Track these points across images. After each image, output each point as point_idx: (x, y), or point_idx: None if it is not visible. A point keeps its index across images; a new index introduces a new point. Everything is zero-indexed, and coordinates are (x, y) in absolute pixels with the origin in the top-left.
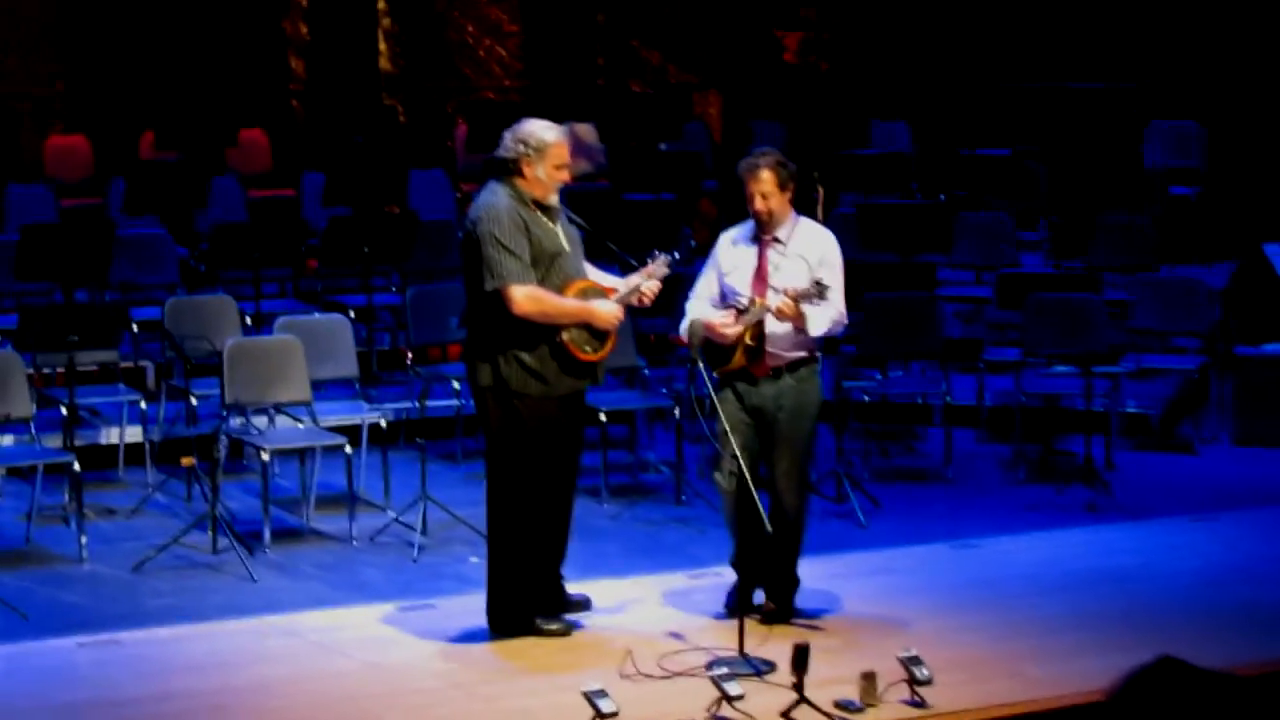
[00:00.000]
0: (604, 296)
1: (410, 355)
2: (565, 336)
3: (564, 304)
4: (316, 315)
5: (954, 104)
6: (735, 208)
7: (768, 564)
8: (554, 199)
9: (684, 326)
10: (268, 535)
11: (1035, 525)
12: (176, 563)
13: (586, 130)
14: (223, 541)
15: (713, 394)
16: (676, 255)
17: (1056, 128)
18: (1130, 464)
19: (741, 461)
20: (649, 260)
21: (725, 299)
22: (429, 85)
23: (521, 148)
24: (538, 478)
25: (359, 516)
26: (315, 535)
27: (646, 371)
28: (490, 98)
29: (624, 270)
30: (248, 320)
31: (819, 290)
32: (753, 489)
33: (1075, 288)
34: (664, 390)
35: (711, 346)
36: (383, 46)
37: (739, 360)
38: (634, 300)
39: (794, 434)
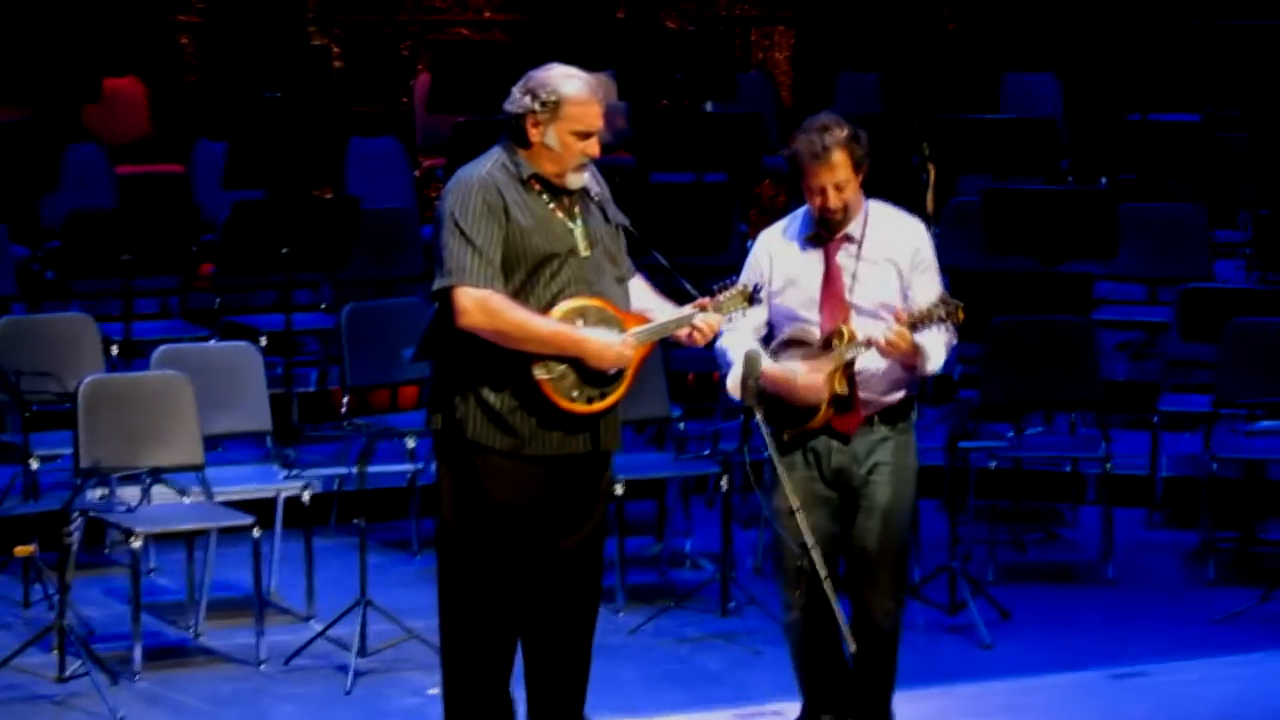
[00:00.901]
0: (618, 325)
1: (346, 401)
2: (541, 374)
3: (533, 323)
4: (213, 344)
5: (1120, 50)
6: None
7: (852, 701)
8: (576, 179)
9: (732, 378)
10: (139, 656)
11: (1231, 645)
12: (7, 694)
13: (604, 83)
14: (74, 663)
15: (774, 457)
16: (759, 288)
17: (1266, 84)
18: None
19: (817, 558)
20: (716, 290)
21: (775, 329)
22: (377, 18)
23: (528, 101)
24: (498, 573)
25: (270, 630)
26: (207, 656)
27: (682, 426)
28: (464, 35)
29: (680, 301)
30: (114, 350)
31: (949, 312)
32: (834, 601)
33: None
34: (706, 452)
35: (777, 402)
36: None
37: (824, 416)
38: (682, 336)
39: (889, 508)
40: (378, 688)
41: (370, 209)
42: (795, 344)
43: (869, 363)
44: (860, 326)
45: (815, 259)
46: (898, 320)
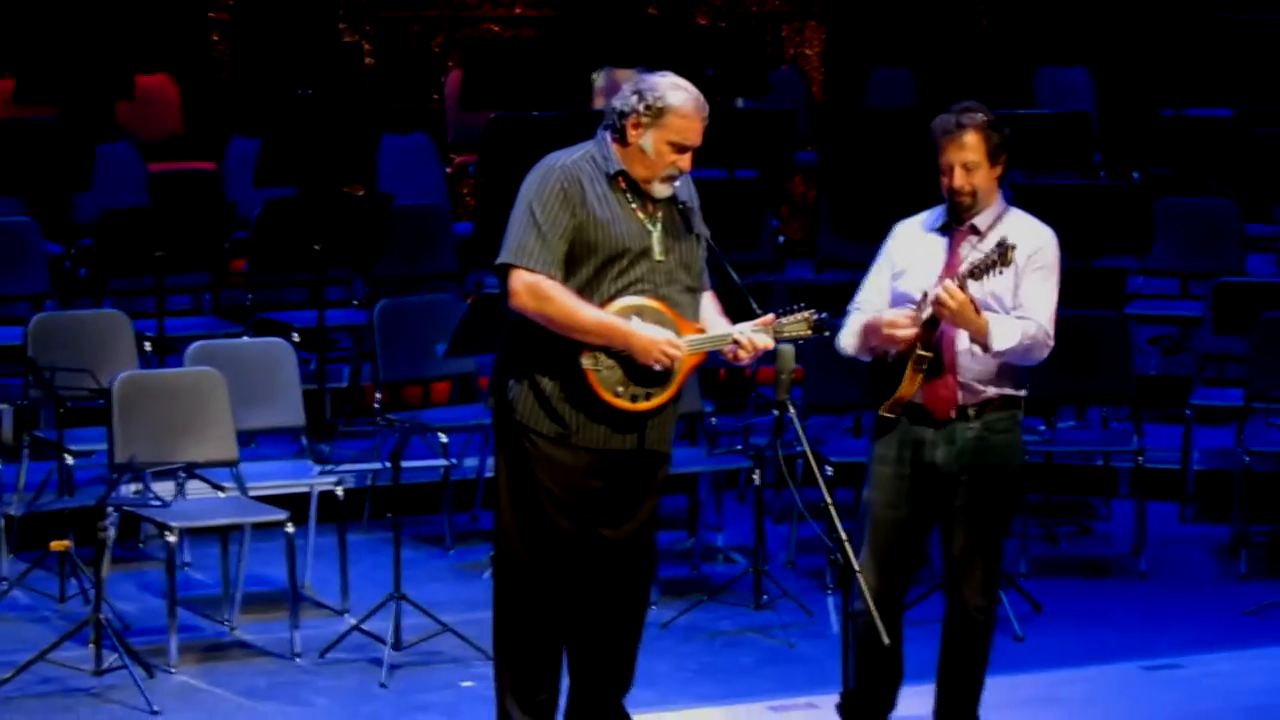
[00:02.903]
0: (673, 329)
1: (379, 396)
2: (588, 364)
3: (580, 311)
4: (246, 340)
5: (1153, 44)
6: (845, 190)
7: (937, 697)
8: (663, 189)
9: (842, 340)
10: (174, 650)
11: (1263, 638)
12: (44, 688)
13: (631, 79)
14: (110, 658)
15: (808, 449)
16: (825, 316)
17: None
18: None
19: (849, 552)
20: (781, 312)
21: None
22: (407, 14)
23: (634, 101)
24: (546, 556)
25: (305, 623)
26: (242, 650)
27: (714, 420)
28: (495, 32)
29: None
30: (147, 346)
31: (1000, 254)
32: (867, 594)
33: None
34: (739, 446)
35: (877, 374)
36: None
37: (908, 385)
38: (725, 351)
39: (983, 508)
40: (412, 681)
41: (402, 205)
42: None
43: (963, 346)
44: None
45: (939, 246)
46: (960, 272)
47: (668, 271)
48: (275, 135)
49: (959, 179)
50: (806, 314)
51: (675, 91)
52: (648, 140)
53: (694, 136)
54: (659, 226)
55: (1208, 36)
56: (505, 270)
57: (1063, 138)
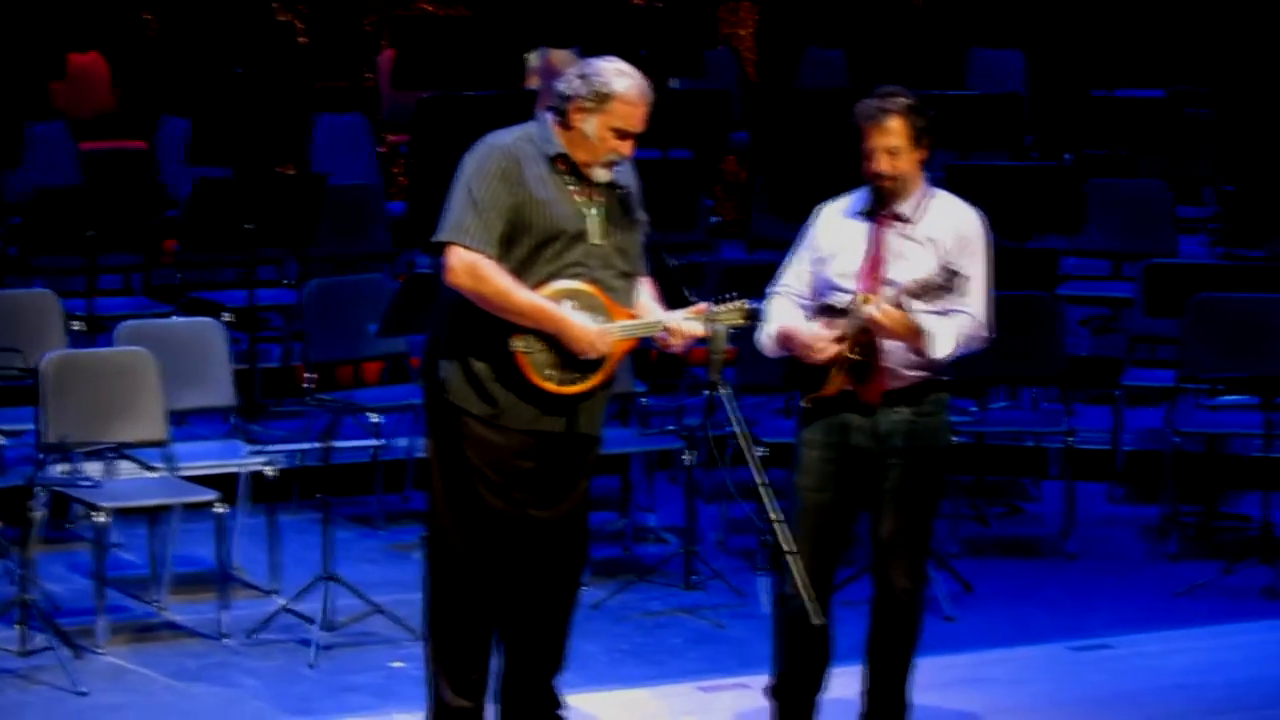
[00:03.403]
0: (605, 315)
1: (311, 377)
2: (519, 346)
3: (515, 293)
4: (176, 319)
5: (1086, 25)
6: (777, 171)
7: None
8: (603, 174)
9: (761, 336)
10: (103, 631)
11: (1191, 618)
12: None
13: (565, 59)
14: (38, 638)
15: (740, 430)
16: (760, 307)
17: (1233, 60)
18: None
19: (782, 532)
20: (715, 300)
21: (820, 296)
22: None
23: (579, 85)
24: (477, 535)
25: (235, 604)
26: (171, 630)
27: (646, 401)
28: (428, 12)
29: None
30: (77, 326)
31: (949, 281)
32: (800, 576)
33: (1254, 286)
34: (671, 426)
35: (799, 364)
36: None
37: (837, 382)
38: (656, 337)
39: (912, 491)
40: (341, 661)
41: (334, 185)
42: (824, 310)
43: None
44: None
45: (863, 232)
46: (900, 291)
47: (603, 256)
48: (207, 114)
49: (883, 164)
50: (740, 303)
51: (620, 78)
52: (591, 125)
53: (637, 123)
54: (597, 210)
55: (1139, 18)
56: (442, 248)
57: (995, 119)
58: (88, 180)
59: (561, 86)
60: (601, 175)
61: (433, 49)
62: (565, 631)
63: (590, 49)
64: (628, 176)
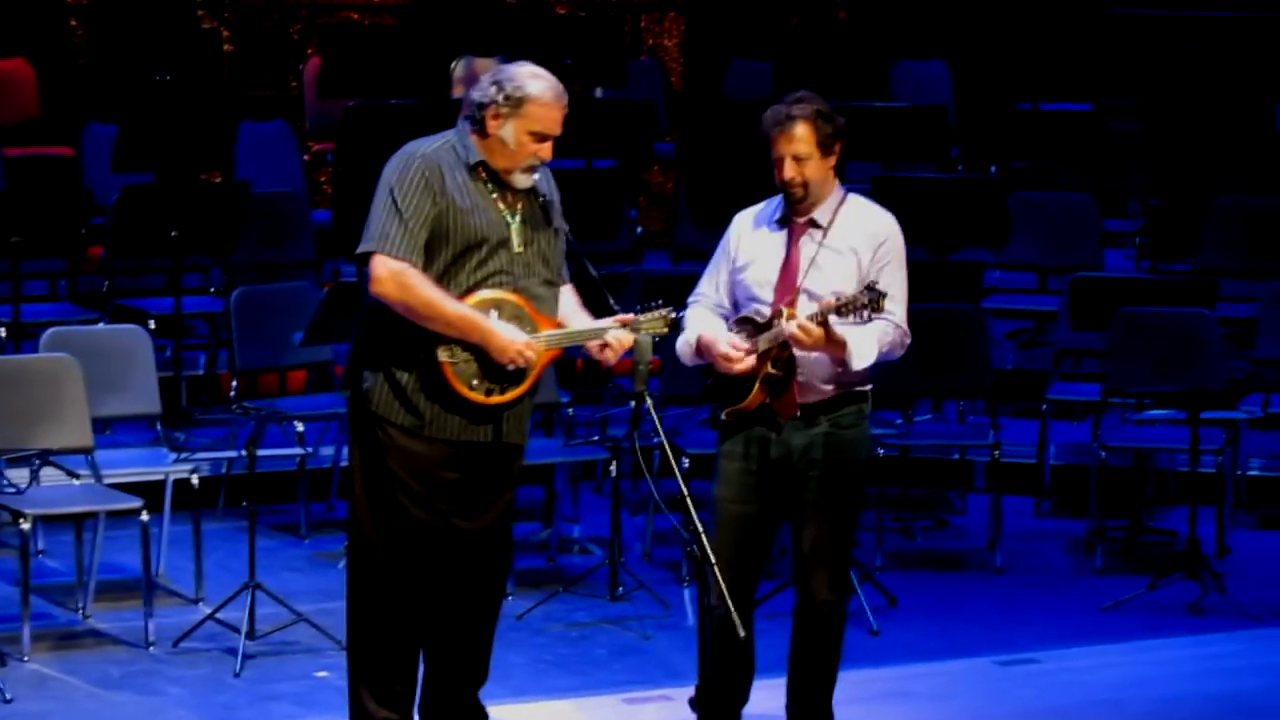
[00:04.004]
0: (531, 325)
1: (235, 384)
2: (444, 357)
3: (442, 303)
4: (102, 326)
5: (1011, 38)
6: (702, 181)
7: (790, 692)
8: (523, 179)
9: (680, 342)
10: (27, 638)
11: (1118, 633)
12: None
13: (490, 68)
14: None
15: (665, 441)
16: (681, 315)
17: (1160, 74)
18: (1251, 548)
19: (705, 544)
20: (638, 309)
21: (739, 307)
22: (266, 2)
23: (493, 92)
24: (401, 547)
25: (159, 612)
26: (95, 638)
27: (571, 412)
28: (354, 20)
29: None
30: (2, 332)
31: (872, 301)
32: (723, 587)
33: (1180, 300)
34: (596, 437)
35: (720, 377)
36: None
37: (756, 397)
38: (593, 350)
39: (832, 503)
40: (266, 670)
41: (260, 193)
42: (745, 323)
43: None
44: (806, 312)
45: (779, 241)
46: (818, 311)
47: (526, 264)
48: (133, 121)
49: (789, 170)
50: (664, 311)
51: (534, 81)
52: (508, 131)
53: (554, 125)
54: (518, 218)
55: (1065, 31)
56: (366, 257)
57: (920, 131)
58: (12, 186)
59: (476, 94)
60: (522, 181)
61: (358, 57)
62: (488, 643)
63: (515, 58)
64: (547, 184)
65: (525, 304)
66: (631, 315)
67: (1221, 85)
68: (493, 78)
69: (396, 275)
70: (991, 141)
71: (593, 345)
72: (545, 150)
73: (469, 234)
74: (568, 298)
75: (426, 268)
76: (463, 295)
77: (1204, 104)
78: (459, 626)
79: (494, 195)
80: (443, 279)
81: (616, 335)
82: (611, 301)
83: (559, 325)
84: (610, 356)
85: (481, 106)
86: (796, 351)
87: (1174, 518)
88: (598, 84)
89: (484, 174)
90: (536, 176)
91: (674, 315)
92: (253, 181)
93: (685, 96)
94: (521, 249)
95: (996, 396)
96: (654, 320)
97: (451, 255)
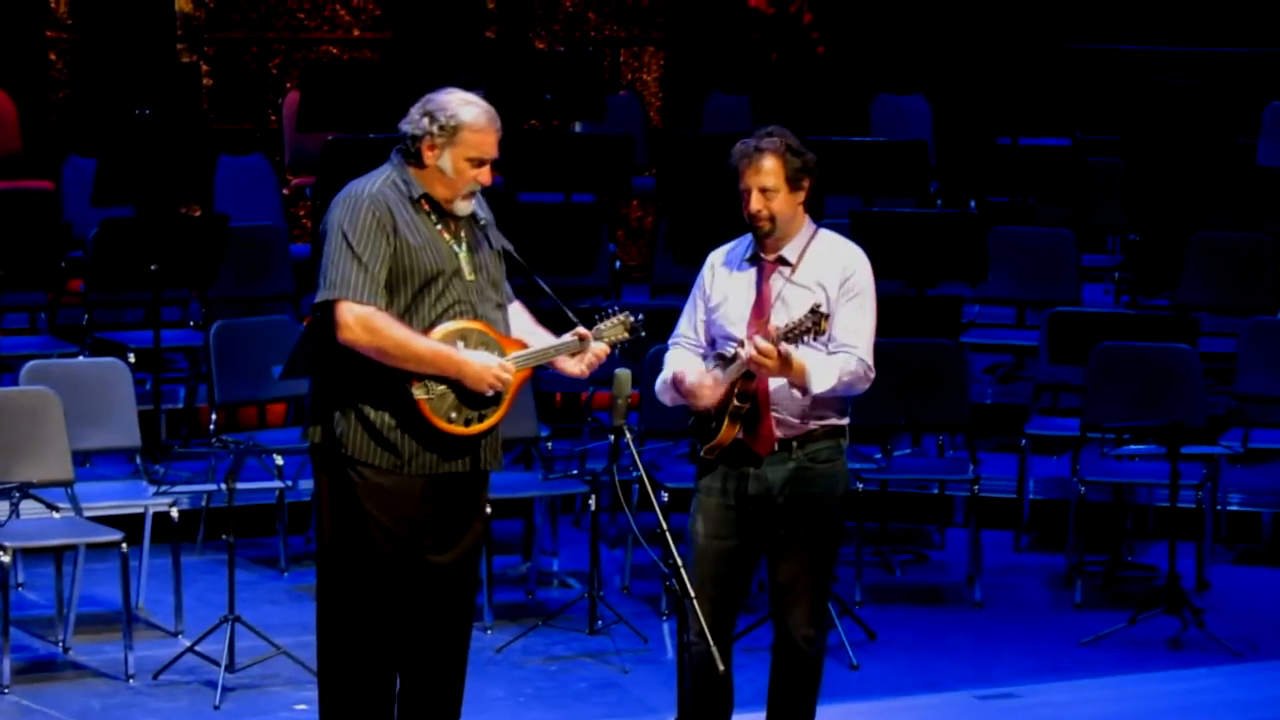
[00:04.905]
0: (498, 349)
1: (215, 418)
2: (420, 394)
3: (413, 342)
4: (82, 359)
5: (990, 73)
6: (681, 216)
7: None
8: (465, 206)
9: (658, 383)
10: (7, 671)
11: (1097, 668)
12: None
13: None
14: None
15: (644, 475)
16: (640, 317)
17: (1139, 109)
18: (1232, 583)
19: (684, 578)
20: (597, 318)
21: (715, 344)
22: (245, 35)
23: (426, 123)
24: (376, 588)
25: (139, 645)
26: (75, 671)
27: (550, 445)
28: (333, 54)
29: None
30: None
31: (814, 323)
32: (702, 621)
33: (1159, 335)
34: (575, 471)
35: (699, 416)
36: None
37: (727, 433)
38: (566, 367)
39: (809, 537)
40: (246, 703)
41: (239, 227)
42: (719, 360)
43: (779, 384)
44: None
45: (749, 279)
46: (766, 335)
47: (479, 290)
48: (112, 155)
49: (755, 203)
50: (622, 317)
51: (466, 107)
52: (445, 160)
53: (491, 149)
54: (464, 247)
55: (1043, 66)
56: (329, 305)
57: (899, 166)
58: None
59: (407, 127)
60: (463, 208)
61: (337, 91)
62: (461, 675)
63: (494, 92)
64: (483, 208)
65: (488, 329)
66: (590, 329)
67: (1200, 120)
68: (423, 109)
69: (363, 320)
70: (970, 176)
71: (562, 363)
72: (484, 175)
73: (425, 269)
74: (521, 315)
75: (388, 307)
76: (426, 330)
77: (1182, 139)
78: (432, 660)
79: (439, 227)
80: (405, 316)
81: (594, 349)
82: (569, 314)
83: (522, 345)
84: (585, 371)
85: (416, 139)
86: (773, 383)
87: (1154, 553)
88: (577, 118)
89: (427, 206)
90: (475, 202)
91: (631, 319)
92: (232, 215)
93: (664, 131)
94: (473, 276)
95: (976, 431)
96: (614, 327)
97: (412, 292)
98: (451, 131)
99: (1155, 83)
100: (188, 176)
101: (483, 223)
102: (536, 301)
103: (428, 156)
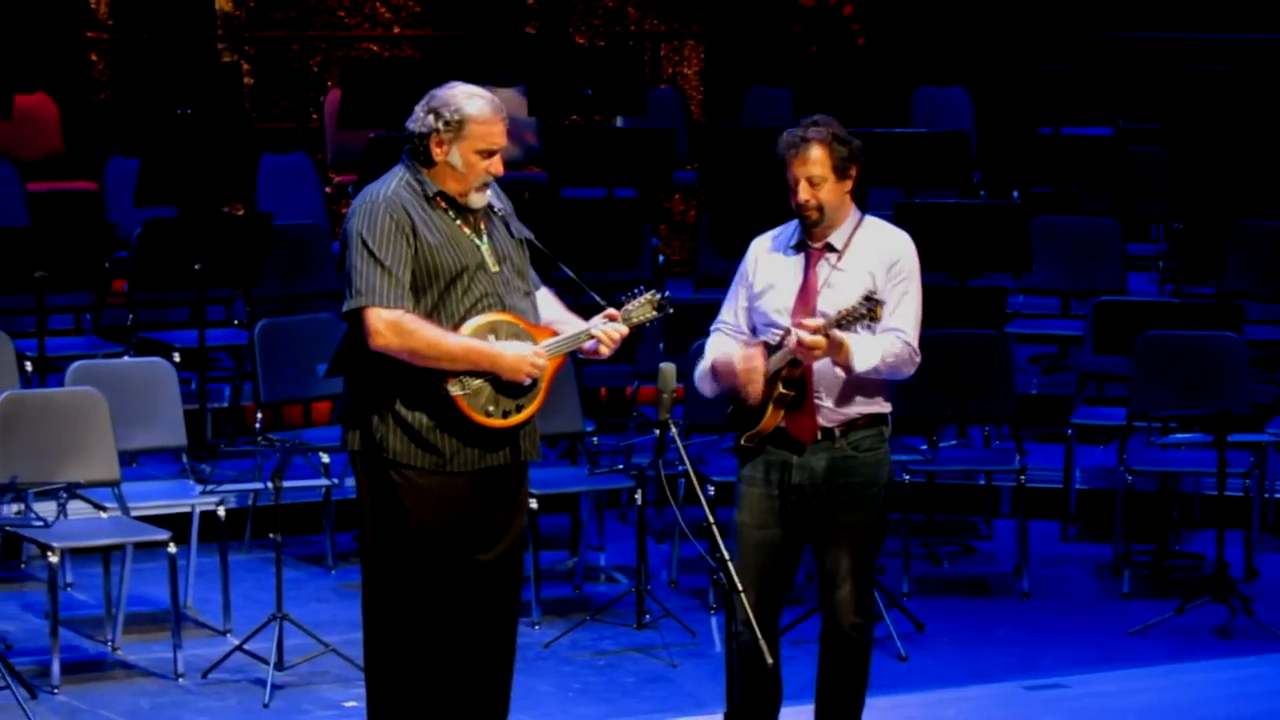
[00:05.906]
0: (529, 339)
1: (260, 416)
2: (456, 390)
3: (445, 340)
4: (127, 359)
5: (1032, 63)
6: (724, 209)
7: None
8: (479, 198)
9: (698, 371)
10: (57, 670)
11: (1145, 657)
12: None
13: (511, 99)
14: None
15: (690, 469)
16: (667, 294)
17: (1180, 97)
18: (1279, 570)
19: (731, 571)
20: (624, 298)
21: (757, 333)
22: (286, 34)
23: (432, 120)
24: (422, 590)
25: (187, 643)
26: (125, 670)
27: (596, 440)
28: (374, 52)
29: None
30: (28, 366)
31: (869, 309)
32: (750, 614)
33: (1204, 324)
34: (620, 466)
35: (738, 404)
36: None
37: (770, 420)
38: (585, 348)
39: (854, 526)
40: (295, 701)
41: (281, 225)
42: (762, 348)
43: (824, 369)
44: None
45: (796, 266)
46: (813, 323)
47: (505, 282)
48: (155, 155)
49: (804, 193)
50: (649, 295)
51: (471, 100)
52: (455, 155)
53: (499, 139)
54: (486, 239)
55: (1085, 56)
56: (356, 313)
57: (941, 157)
58: (36, 221)
59: (414, 125)
60: (478, 200)
61: (378, 89)
62: (509, 670)
63: (535, 88)
64: (498, 197)
65: (518, 320)
66: (617, 309)
67: (1242, 107)
68: (427, 106)
69: (393, 324)
70: (1013, 167)
71: (588, 345)
72: (495, 165)
73: (449, 266)
74: (548, 301)
75: (415, 307)
76: (455, 326)
77: (1225, 127)
78: (480, 656)
79: (458, 222)
80: (433, 315)
81: (610, 328)
82: (596, 297)
83: (552, 332)
84: (605, 351)
85: (423, 137)
86: (816, 370)
87: (1201, 541)
88: (618, 113)
89: (443, 203)
90: (489, 193)
91: (659, 296)
92: (274, 214)
93: (706, 125)
94: (497, 268)
95: (1021, 421)
96: (642, 306)
97: (439, 291)
98: (458, 126)
99: (1197, 71)
100: (230, 175)
101: (500, 213)
102: (579, 299)
103: (436, 153)
